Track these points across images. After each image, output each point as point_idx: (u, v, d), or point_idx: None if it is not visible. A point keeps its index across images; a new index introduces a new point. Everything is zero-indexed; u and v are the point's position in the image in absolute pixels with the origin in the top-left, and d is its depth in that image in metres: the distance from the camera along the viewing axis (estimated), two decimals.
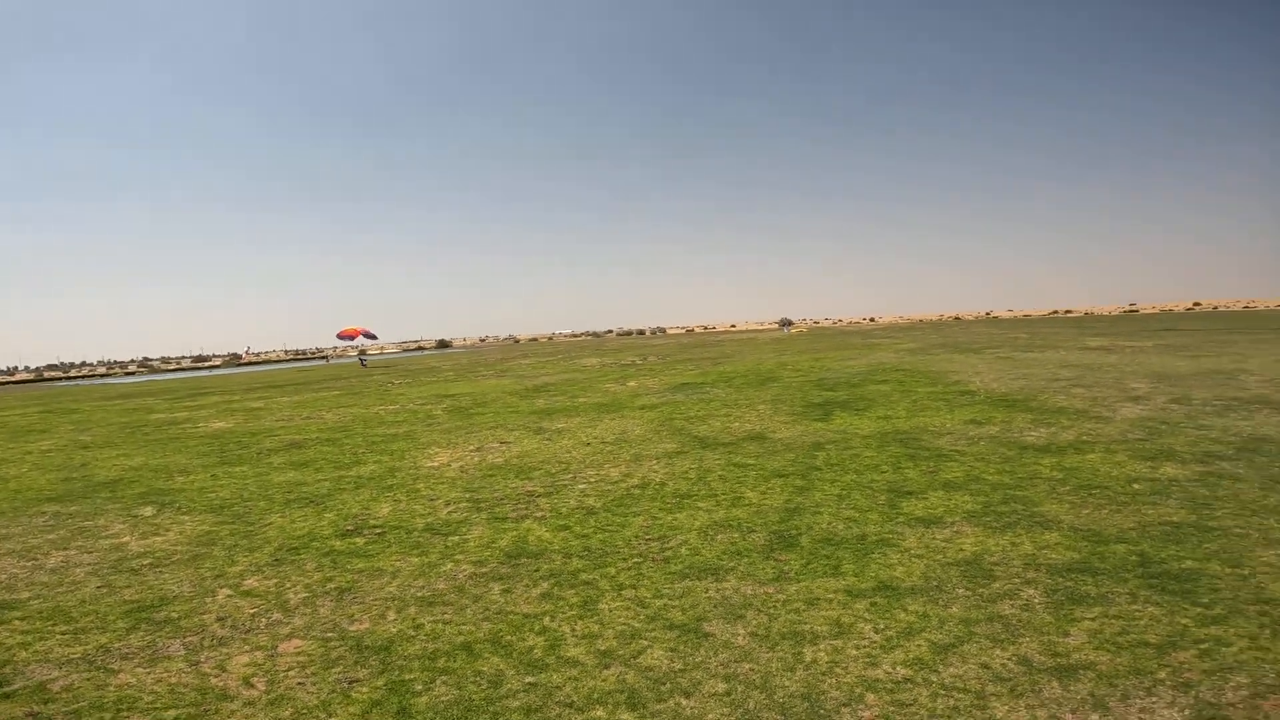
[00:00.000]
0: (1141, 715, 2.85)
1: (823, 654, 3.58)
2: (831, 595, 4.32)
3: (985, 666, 3.34)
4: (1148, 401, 10.86)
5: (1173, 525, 5.06)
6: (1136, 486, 6.14)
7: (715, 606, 4.28)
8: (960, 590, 4.23)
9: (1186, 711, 2.83)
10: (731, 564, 5.01)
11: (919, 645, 3.60)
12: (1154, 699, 2.96)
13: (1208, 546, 4.62)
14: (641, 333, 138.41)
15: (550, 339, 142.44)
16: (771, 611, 4.15)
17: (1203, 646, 3.35)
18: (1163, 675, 3.13)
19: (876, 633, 3.77)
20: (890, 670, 3.38)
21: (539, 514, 6.71)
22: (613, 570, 5.04)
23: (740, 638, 3.84)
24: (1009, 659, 3.39)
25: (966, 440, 8.70)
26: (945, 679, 3.26)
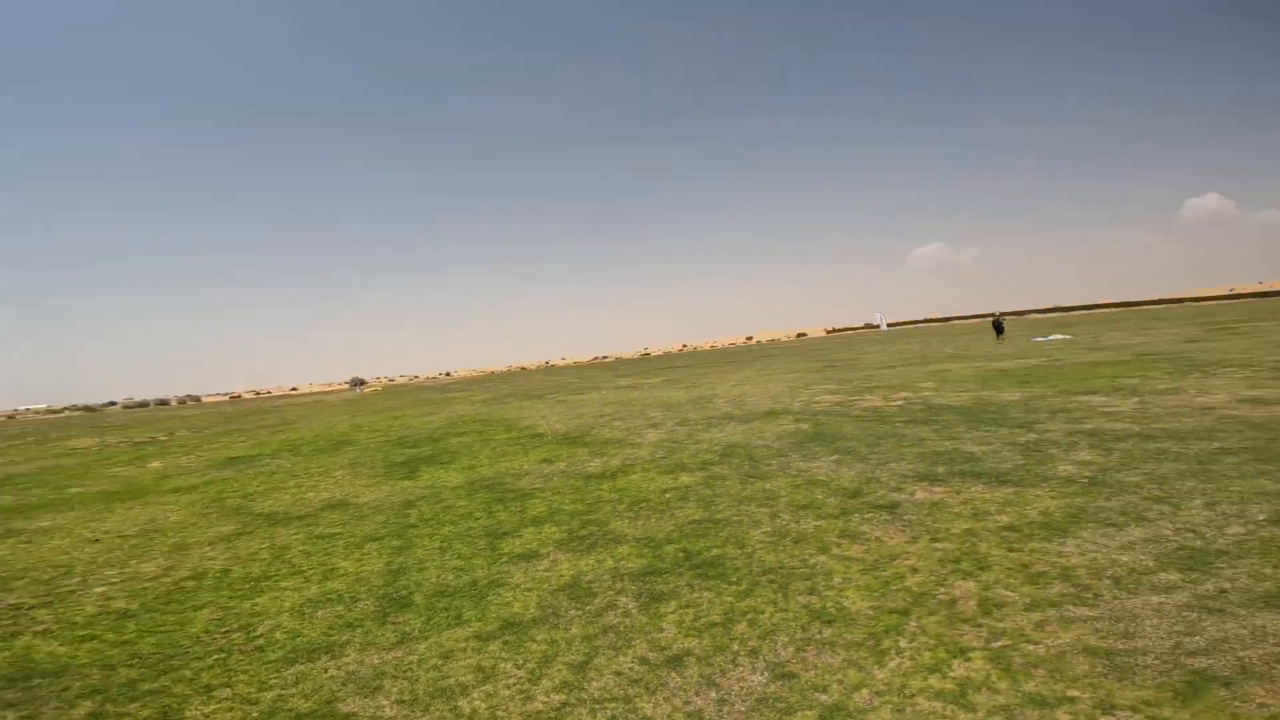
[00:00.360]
0: (739, 684, 3.54)
1: (479, 702, 3.55)
2: (464, 644, 4.32)
3: (619, 674, 3.76)
4: (663, 426, 13.74)
5: (697, 523, 6.53)
6: (667, 496, 7.69)
7: (344, 684, 3.85)
8: (573, 611, 4.68)
9: (767, 674, 3.60)
10: (345, 637, 4.59)
11: (559, 670, 3.85)
12: (740, 668, 3.70)
13: (721, 535, 6.07)
14: (165, 403, 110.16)
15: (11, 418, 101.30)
16: (409, 674, 3.92)
17: (749, 617, 4.33)
18: (736, 647, 3.94)
19: (519, 668, 3.90)
20: (546, 700, 3.53)
21: (39, 628, 5.15)
22: (189, 672, 4.13)
23: (387, 709, 3.54)
24: (633, 662, 3.88)
25: (543, 478, 9.59)
26: (594, 694, 3.56)
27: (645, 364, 69.80)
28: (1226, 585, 3.86)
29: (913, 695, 3.20)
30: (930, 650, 3.61)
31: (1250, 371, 13.07)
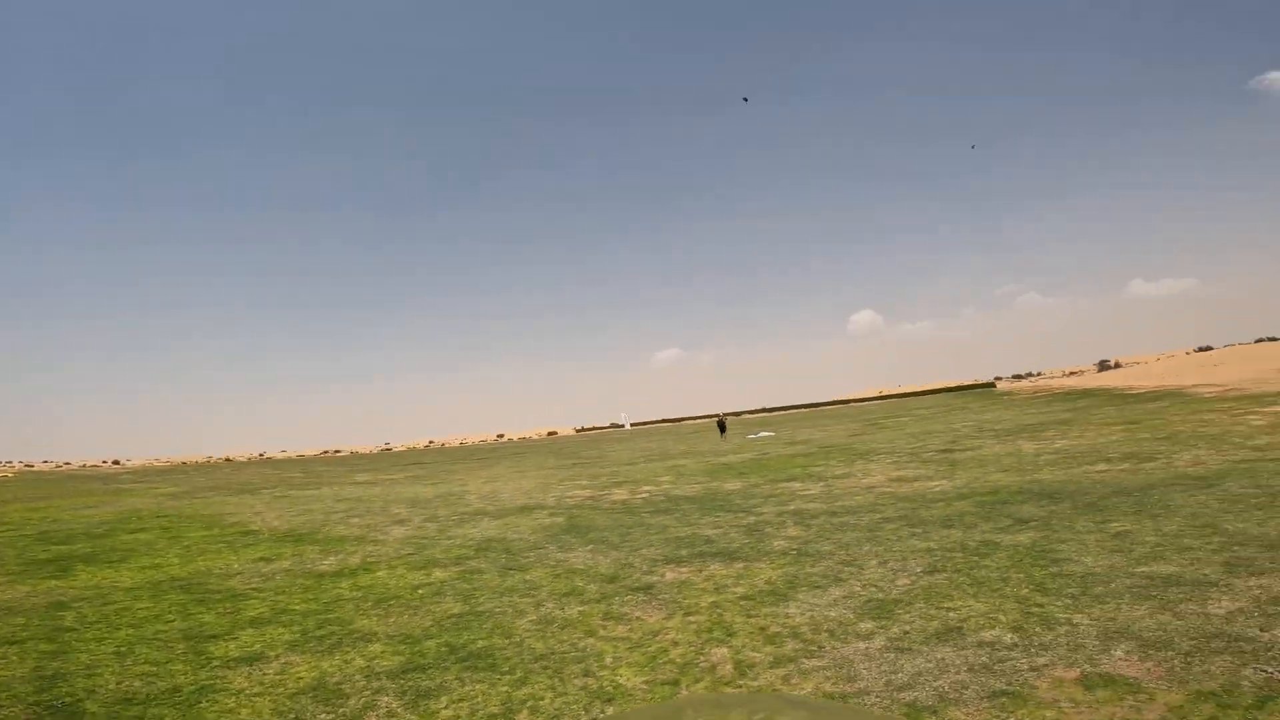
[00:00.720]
0: None
1: None
2: None
3: None
4: (410, 523, 12.81)
5: (458, 616, 6.13)
6: (421, 591, 7.15)
7: None
8: (323, 715, 4.04)
9: None
10: None
11: None
12: None
13: (486, 626, 5.78)
14: None
15: None
16: None
17: (529, 704, 4.13)
18: None
19: None
20: None
21: None
22: None
23: None
24: None
25: (261, 577, 8.34)
26: None
27: (387, 459, 64.43)
28: (908, 628, 4.80)
29: None
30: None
31: (895, 457, 16.73)
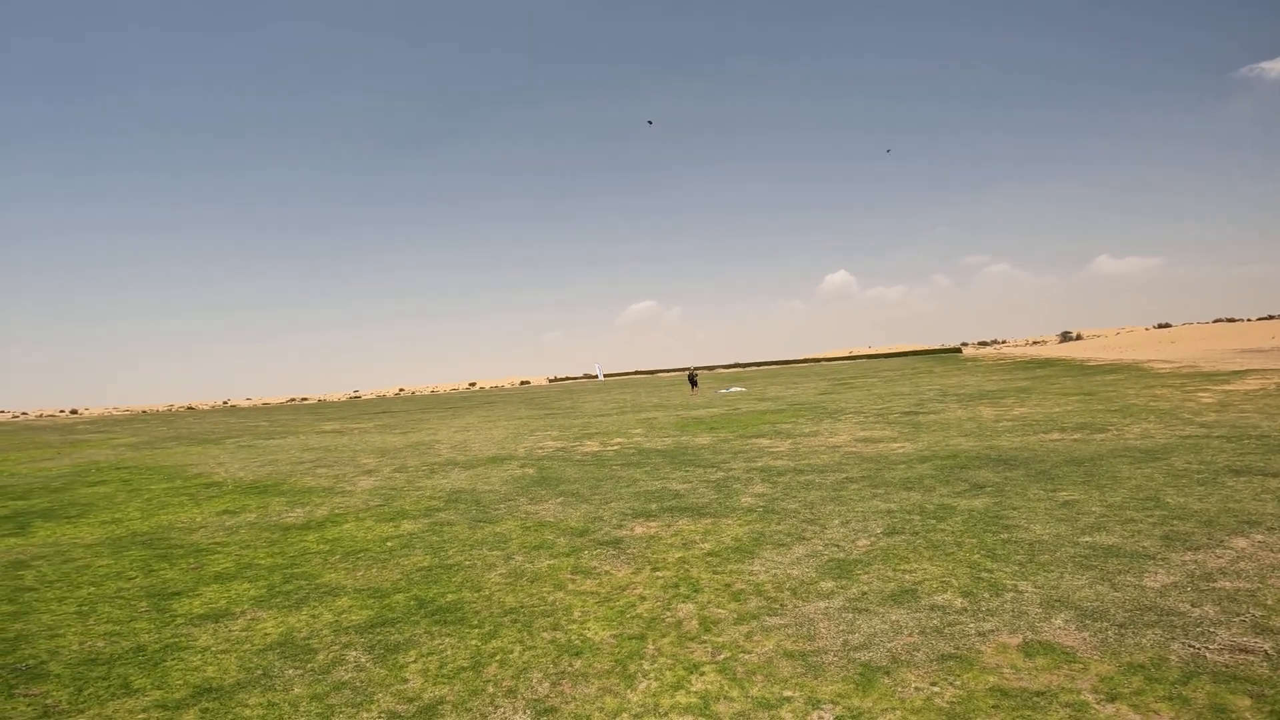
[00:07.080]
0: None
1: None
2: (142, 715, 3.57)
3: None
4: (378, 473, 12.80)
5: (427, 569, 6.17)
6: (390, 544, 7.16)
7: None
8: (290, 671, 4.07)
9: (528, 712, 3.50)
10: None
11: None
12: (500, 709, 3.55)
13: (455, 580, 5.83)
14: None
15: None
16: None
17: (498, 658, 4.20)
18: (492, 689, 3.79)
19: None
20: None
21: None
22: None
23: None
24: (380, 717, 3.51)
25: (225, 531, 8.28)
26: None
27: (355, 407, 63.69)
28: (865, 589, 4.97)
29: (665, 713, 3.45)
30: (670, 669, 3.93)
31: (861, 417, 17.09)
